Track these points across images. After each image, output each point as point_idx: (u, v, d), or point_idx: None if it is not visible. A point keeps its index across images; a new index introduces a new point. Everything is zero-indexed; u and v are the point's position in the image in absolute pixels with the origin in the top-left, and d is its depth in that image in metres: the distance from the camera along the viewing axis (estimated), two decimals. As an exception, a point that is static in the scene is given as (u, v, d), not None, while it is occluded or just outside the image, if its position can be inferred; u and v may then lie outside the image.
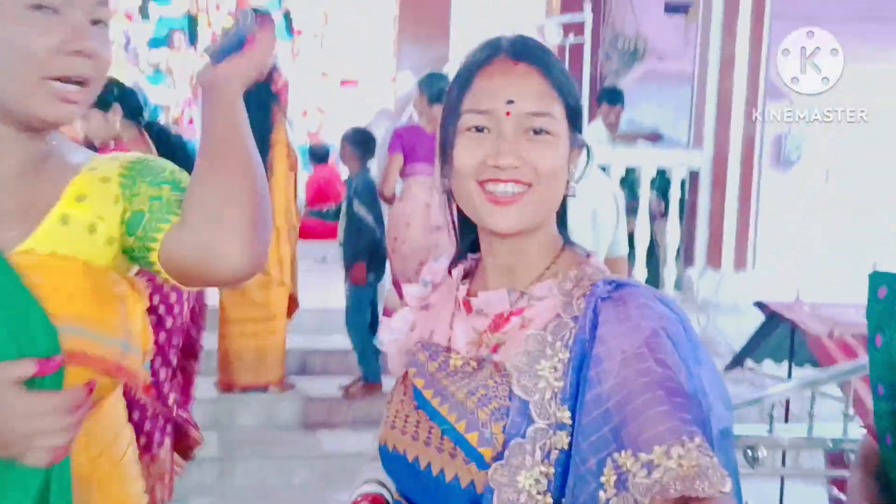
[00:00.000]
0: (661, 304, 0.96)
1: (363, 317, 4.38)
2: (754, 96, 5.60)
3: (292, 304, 4.44)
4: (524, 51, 1.01)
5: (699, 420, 0.87)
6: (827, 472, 3.15)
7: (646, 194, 5.48)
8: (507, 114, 0.98)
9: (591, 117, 6.04)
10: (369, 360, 4.35)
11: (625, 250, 2.63)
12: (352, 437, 4.18)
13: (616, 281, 0.98)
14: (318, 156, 8.33)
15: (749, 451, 2.50)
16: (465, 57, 1.05)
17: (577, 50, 5.31)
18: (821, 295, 5.74)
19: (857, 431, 2.50)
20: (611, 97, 6.19)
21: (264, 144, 4.11)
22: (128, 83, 9.58)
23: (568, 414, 0.92)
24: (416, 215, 3.93)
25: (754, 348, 3.68)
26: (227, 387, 4.34)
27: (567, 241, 1.07)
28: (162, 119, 9.39)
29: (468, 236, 1.11)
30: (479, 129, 0.99)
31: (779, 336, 3.50)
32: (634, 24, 7.81)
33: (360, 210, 4.31)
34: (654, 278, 5.62)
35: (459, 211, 1.07)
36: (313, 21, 9.79)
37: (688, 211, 5.69)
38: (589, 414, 0.89)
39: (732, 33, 5.63)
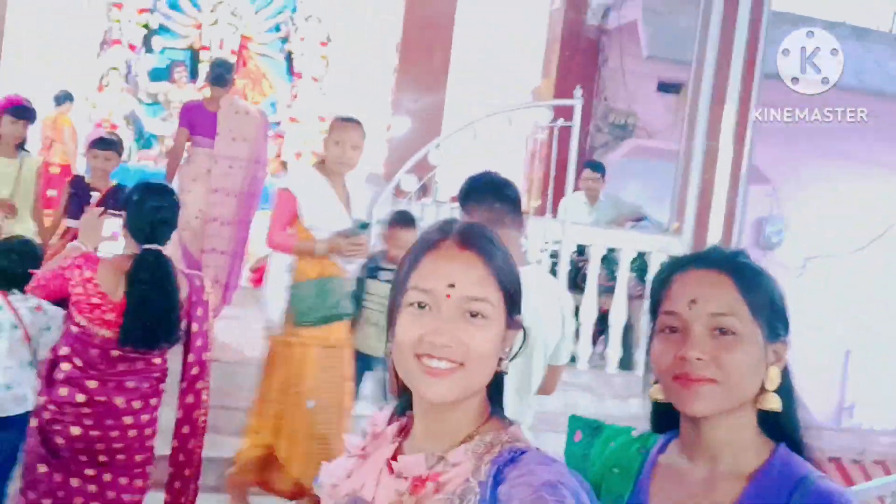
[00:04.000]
0: (561, 465, 1.03)
1: None
2: (736, 180, 5.72)
3: None
4: (470, 239, 1.12)
5: None
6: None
7: (624, 275, 5.59)
8: (448, 296, 1.07)
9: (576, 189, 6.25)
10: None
11: (565, 359, 2.67)
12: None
13: (521, 448, 1.06)
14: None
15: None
16: (423, 233, 1.17)
17: (565, 131, 5.43)
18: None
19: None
20: (592, 166, 6.44)
21: None
22: (126, 111, 9.53)
23: None
24: (199, 177, 5.25)
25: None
26: None
27: (495, 411, 1.15)
28: (156, 149, 9.46)
29: (406, 396, 1.18)
30: (421, 306, 1.08)
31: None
32: (627, 100, 7.99)
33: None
34: (627, 359, 5.70)
35: None
36: (314, 65, 9.91)
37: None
38: None
39: (718, 118, 5.76)
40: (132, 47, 9.65)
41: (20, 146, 4.67)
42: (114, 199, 4.18)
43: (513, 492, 0.98)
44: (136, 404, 2.92)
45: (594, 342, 5.84)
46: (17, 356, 3.18)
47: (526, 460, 1.02)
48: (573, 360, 5.65)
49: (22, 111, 4.61)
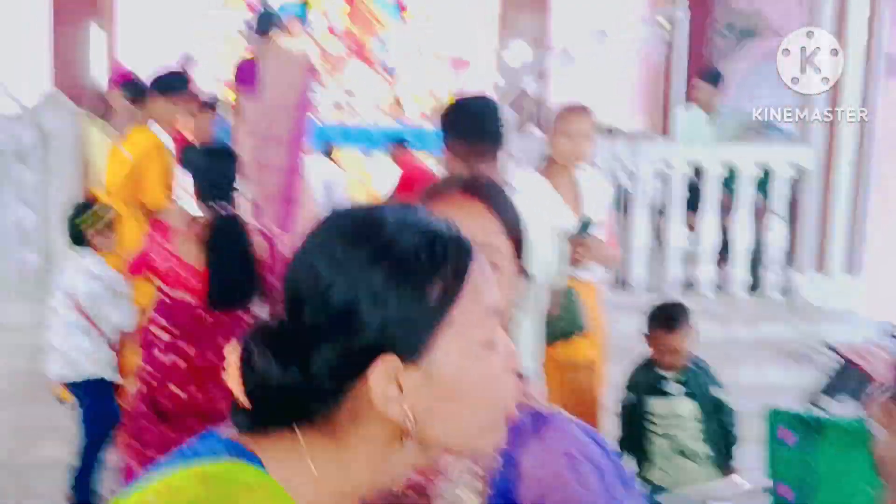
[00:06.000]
0: (579, 430, 0.97)
1: None
2: (870, 73, 5.07)
3: None
4: (475, 187, 1.12)
5: None
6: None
7: (748, 193, 5.22)
8: None
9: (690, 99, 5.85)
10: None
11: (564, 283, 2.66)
12: None
13: (538, 412, 0.99)
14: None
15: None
16: (427, 186, 1.17)
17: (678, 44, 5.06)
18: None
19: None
20: (706, 76, 5.88)
21: None
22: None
23: None
24: (249, 129, 5.08)
25: (832, 392, 3.41)
26: None
27: None
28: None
29: None
30: None
31: (856, 383, 3.22)
32: (751, 1, 7.36)
33: None
34: (758, 282, 5.37)
35: None
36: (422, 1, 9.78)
37: (794, 211, 5.36)
38: None
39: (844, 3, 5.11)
40: (250, 7, 9.86)
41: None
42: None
43: (532, 472, 0.93)
44: (235, 362, 3.03)
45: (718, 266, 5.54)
46: (71, 322, 3.28)
47: (541, 429, 0.97)
48: (691, 286, 5.39)
49: (131, 87, 4.79)
